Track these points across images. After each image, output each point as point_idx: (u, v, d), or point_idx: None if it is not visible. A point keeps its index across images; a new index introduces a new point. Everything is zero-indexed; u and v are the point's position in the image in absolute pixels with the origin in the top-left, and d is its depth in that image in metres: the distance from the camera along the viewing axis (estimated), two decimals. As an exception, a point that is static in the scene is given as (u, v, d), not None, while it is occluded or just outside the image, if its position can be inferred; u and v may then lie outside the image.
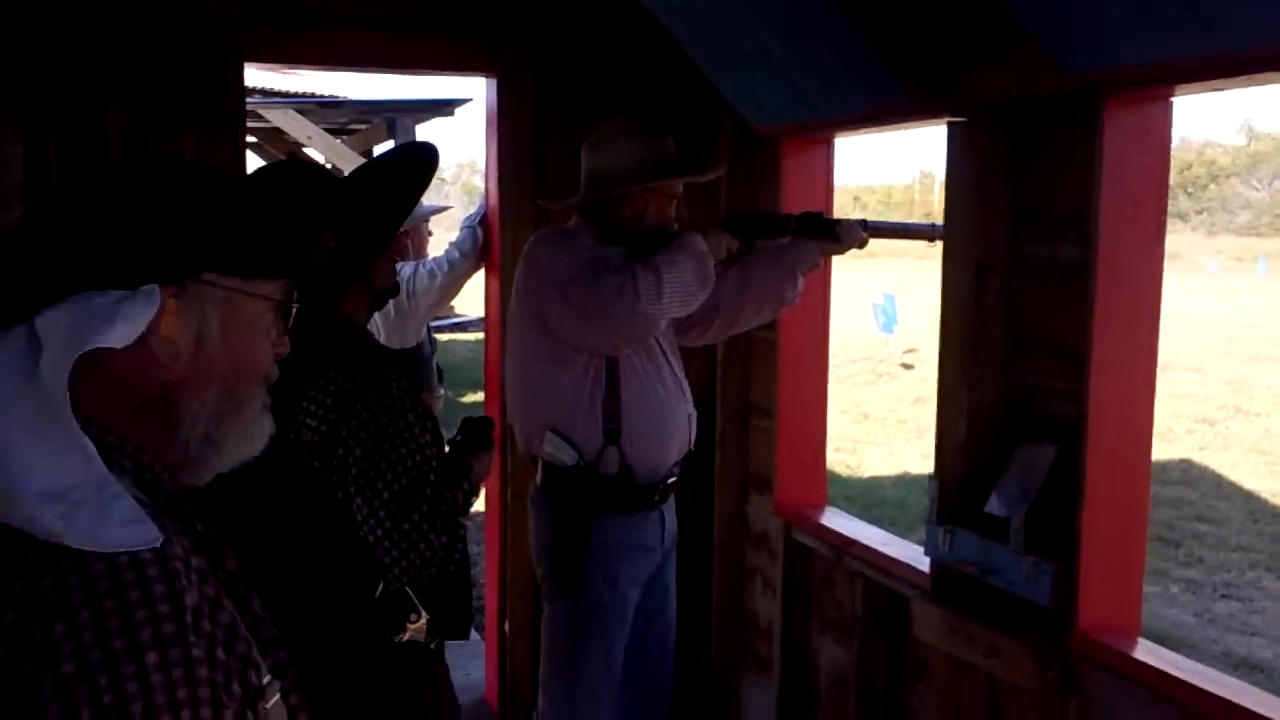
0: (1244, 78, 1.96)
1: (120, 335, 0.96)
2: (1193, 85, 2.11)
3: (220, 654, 0.90)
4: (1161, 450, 9.83)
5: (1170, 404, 11.95)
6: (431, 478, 1.99)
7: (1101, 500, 2.29)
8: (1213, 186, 57.65)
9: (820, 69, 2.88)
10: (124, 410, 0.99)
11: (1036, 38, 2.19)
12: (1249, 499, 8.45)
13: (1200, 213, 56.61)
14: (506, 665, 3.76)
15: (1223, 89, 2.09)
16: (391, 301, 2.34)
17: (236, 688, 0.90)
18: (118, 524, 0.89)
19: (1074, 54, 2.14)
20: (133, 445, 1.00)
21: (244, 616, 0.98)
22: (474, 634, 4.54)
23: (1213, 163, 59.05)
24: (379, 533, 1.92)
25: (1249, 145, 60.29)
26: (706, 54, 3.30)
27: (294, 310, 1.11)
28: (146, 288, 0.97)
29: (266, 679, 0.97)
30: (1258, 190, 56.32)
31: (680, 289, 2.52)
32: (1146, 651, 2.26)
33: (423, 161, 2.11)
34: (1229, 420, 11.39)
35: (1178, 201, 56.02)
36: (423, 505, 1.94)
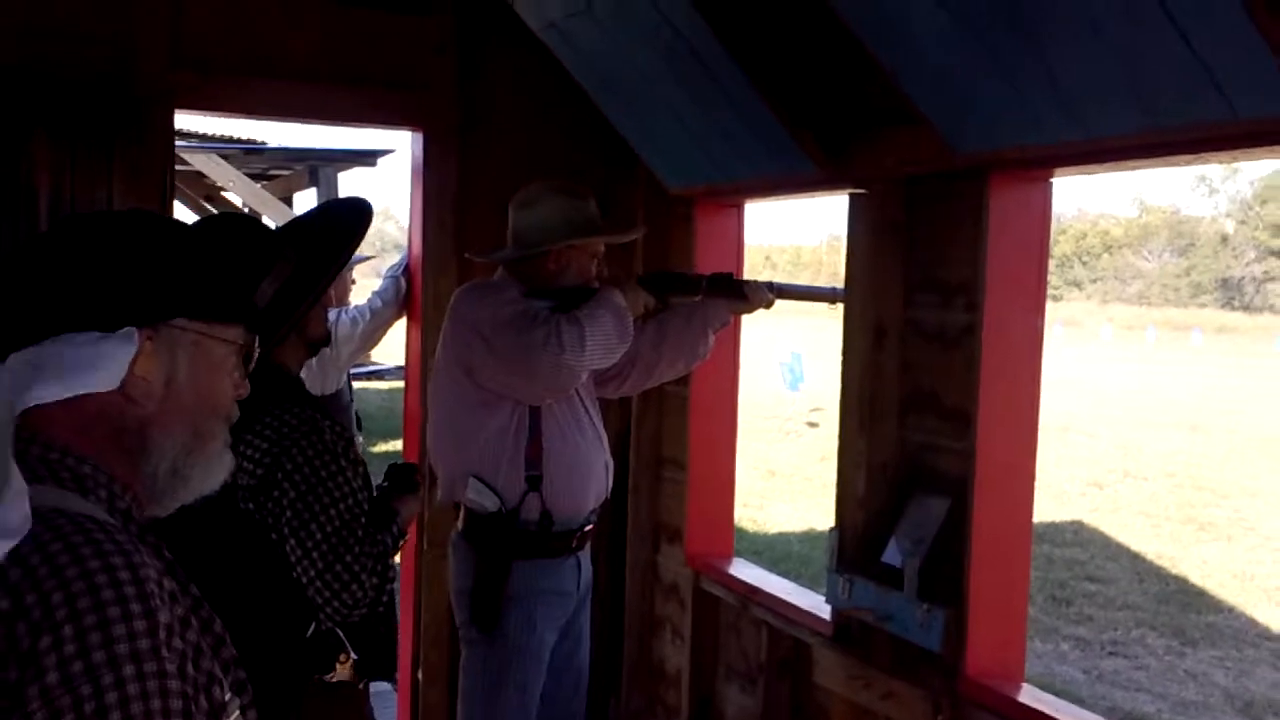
0: (1112, 164, 2.17)
1: (103, 380, 1.05)
2: (1068, 169, 2.32)
3: (190, 669, 0.99)
4: (1055, 512, 10.21)
5: (1065, 466, 12.40)
6: (363, 520, 2.06)
7: (988, 551, 2.45)
8: (1106, 256, 59.89)
9: (732, 139, 3.05)
10: (99, 443, 1.07)
11: (929, 119, 2.38)
12: (1135, 560, 8.80)
13: (1095, 281, 58.74)
14: (419, 713, 3.79)
15: (1094, 173, 2.31)
16: None
17: (204, 701, 0.99)
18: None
19: (963, 136, 2.33)
20: (105, 476, 1.08)
21: (206, 637, 1.06)
22: (384, 684, 4.55)
23: (1106, 233, 61.38)
24: (312, 573, 1.99)
25: (1140, 217, 62.87)
26: (624, 116, 3.46)
27: (255, 354, 1.20)
28: (124, 330, 1.06)
29: (228, 695, 1.05)
30: (1148, 261, 58.69)
31: (602, 341, 2.65)
32: (1029, 695, 2.42)
33: (356, 216, 2.21)
34: (1118, 484, 11.84)
35: (1073, 270, 58.09)
36: (355, 547, 2.01)
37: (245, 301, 1.21)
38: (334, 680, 2.06)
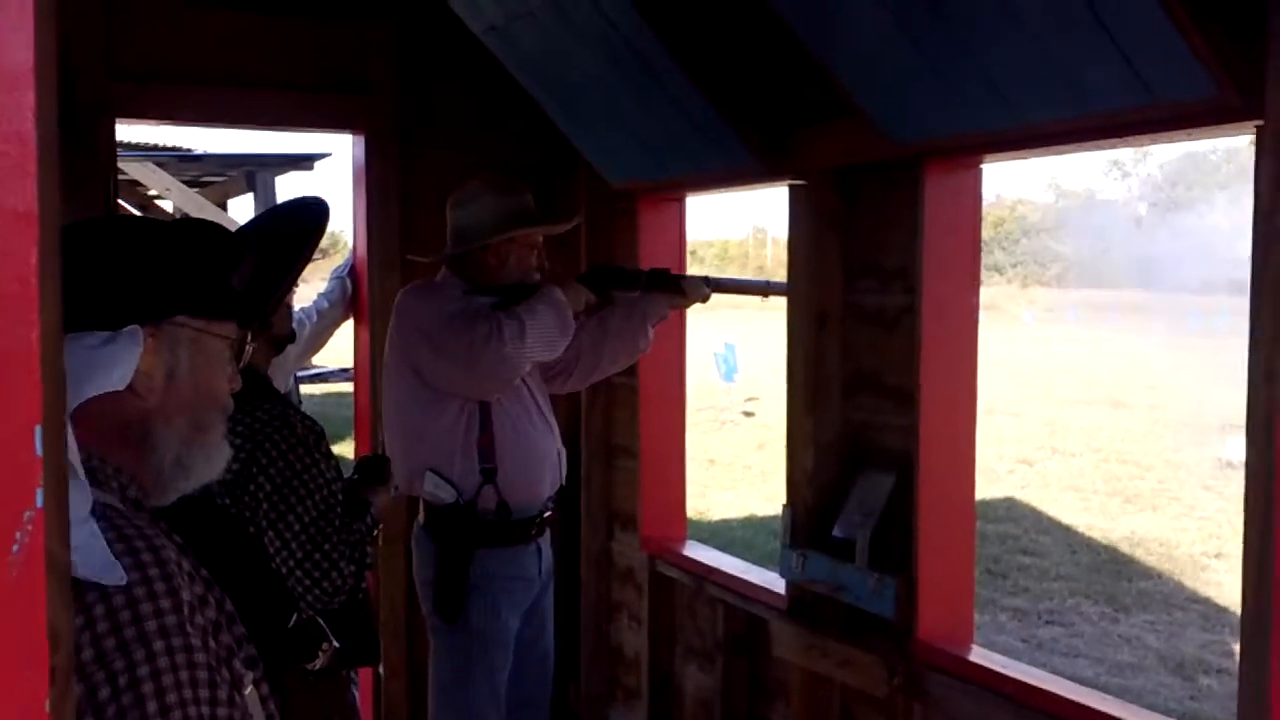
0: (1042, 149, 2.30)
1: (118, 379, 1.11)
2: (998, 155, 2.44)
3: (211, 643, 1.05)
4: (986, 489, 10.48)
5: (993, 445, 12.69)
6: (339, 510, 2.12)
7: (934, 520, 2.57)
8: (1025, 241, 61.14)
9: (673, 135, 3.13)
10: (106, 436, 1.12)
11: (866, 111, 2.48)
12: (1067, 532, 9.08)
13: (1015, 266, 59.91)
14: (382, 707, 3.83)
15: (1023, 158, 2.44)
16: None
17: (225, 672, 1.05)
18: (97, 565, 1.00)
19: (897, 126, 2.44)
20: (113, 468, 1.13)
21: (221, 615, 1.12)
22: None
23: (1024, 218, 62.68)
24: (291, 563, 2.05)
25: (1057, 202, 64.29)
26: (565, 115, 3.52)
27: (248, 350, 1.26)
28: (130, 328, 1.12)
29: (243, 670, 1.11)
30: (1065, 244, 60.03)
31: (542, 335, 2.73)
32: (980, 655, 2.54)
33: (313, 216, 2.25)
34: (1046, 460, 12.17)
35: (993, 255, 59.20)
36: (332, 536, 2.07)
37: (236, 299, 1.27)
38: (317, 669, 2.12)
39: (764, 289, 3.19)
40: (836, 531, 2.77)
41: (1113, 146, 2.16)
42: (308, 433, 2.12)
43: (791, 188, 2.93)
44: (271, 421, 2.09)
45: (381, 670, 3.79)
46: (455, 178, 3.12)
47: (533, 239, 2.97)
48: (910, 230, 2.56)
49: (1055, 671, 5.80)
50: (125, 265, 1.17)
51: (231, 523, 2.05)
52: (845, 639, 2.74)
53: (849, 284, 2.83)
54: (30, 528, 0.45)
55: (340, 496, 2.15)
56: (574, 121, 3.52)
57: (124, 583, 1.00)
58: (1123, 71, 1.88)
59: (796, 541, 2.85)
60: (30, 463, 0.45)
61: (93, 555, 0.98)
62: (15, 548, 0.45)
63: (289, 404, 2.20)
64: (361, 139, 3.82)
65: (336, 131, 3.98)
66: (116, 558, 1.00)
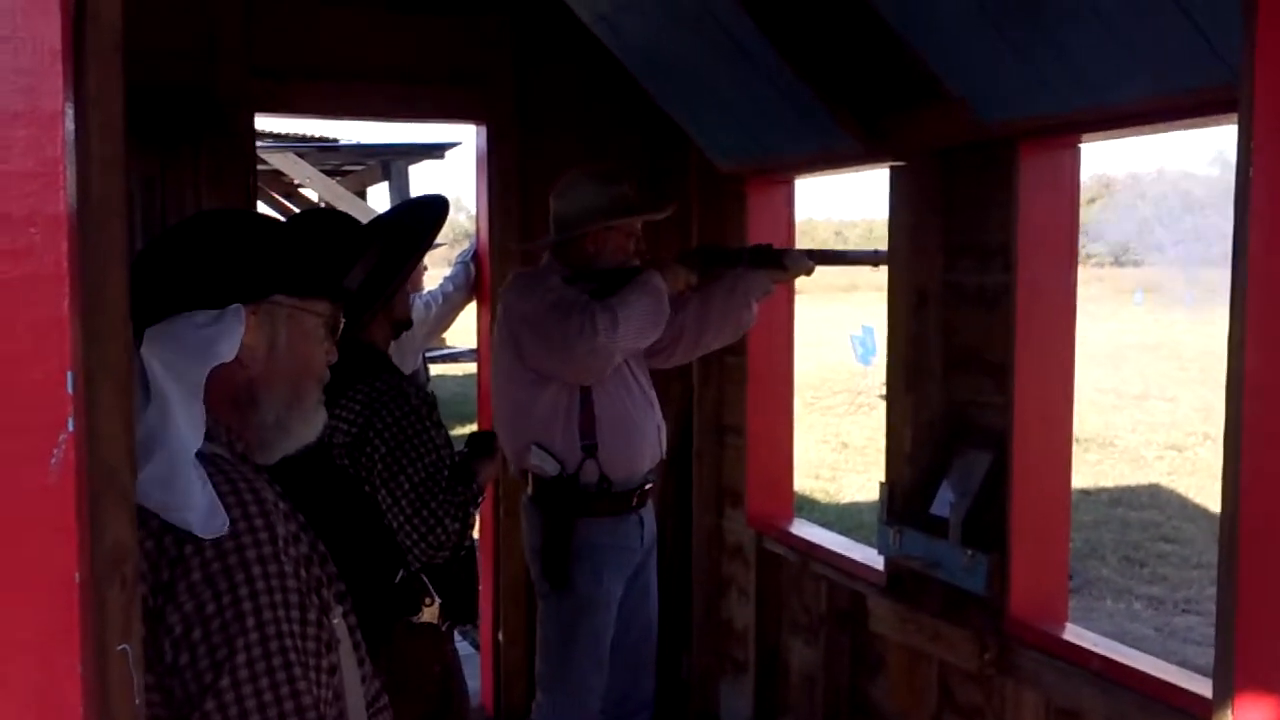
0: (1130, 129, 2.29)
1: (226, 352, 1.27)
2: (1092, 135, 2.44)
3: (303, 573, 1.22)
4: (1131, 476, 10.17)
5: (1143, 431, 12.29)
6: (446, 473, 2.30)
7: (1028, 499, 2.59)
8: (1188, 218, 58.34)
9: (776, 120, 3.20)
10: (216, 400, 1.29)
11: (958, 95, 2.51)
12: (1213, 520, 8.69)
13: (1177, 244, 57.24)
14: (501, 673, 4.02)
15: (1116, 138, 2.43)
16: None
17: (314, 598, 1.22)
18: (203, 514, 1.17)
19: (987, 108, 2.47)
20: (223, 426, 1.30)
21: (314, 553, 1.28)
22: (469, 647, 4.80)
23: (1188, 194, 59.77)
24: (401, 519, 2.24)
25: (1223, 176, 61.04)
26: (673, 101, 3.63)
27: (341, 325, 1.41)
28: (233, 307, 1.28)
29: (332, 601, 1.28)
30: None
31: (635, 325, 2.85)
32: (1071, 633, 2.56)
33: (434, 211, 2.45)
34: (1198, 447, 11.71)
35: (1155, 233, 56.70)
36: (439, 495, 2.25)
37: (331, 280, 1.42)
38: (420, 621, 2.30)
39: (873, 259, 3.20)
40: (934, 509, 2.81)
41: (1199, 125, 2.15)
42: (421, 403, 2.30)
43: (892, 169, 2.96)
44: (389, 391, 2.27)
45: (501, 637, 3.98)
46: (570, 165, 3.25)
47: (630, 226, 3.08)
48: (1007, 210, 2.58)
49: (1186, 661, 5.68)
50: (230, 252, 1.33)
51: (349, 482, 2.24)
52: (939, 614, 2.78)
53: (949, 263, 2.86)
54: (64, 446, 0.59)
55: (448, 461, 2.33)
56: (681, 107, 3.61)
57: (225, 531, 1.16)
58: (1201, 50, 1.88)
59: (894, 518, 2.90)
60: (64, 398, 0.60)
61: (202, 506, 1.15)
62: (53, 460, 0.59)
63: (405, 377, 2.38)
64: (483, 129, 3.99)
65: (459, 123, 4.18)
66: (221, 497, 1.17)
